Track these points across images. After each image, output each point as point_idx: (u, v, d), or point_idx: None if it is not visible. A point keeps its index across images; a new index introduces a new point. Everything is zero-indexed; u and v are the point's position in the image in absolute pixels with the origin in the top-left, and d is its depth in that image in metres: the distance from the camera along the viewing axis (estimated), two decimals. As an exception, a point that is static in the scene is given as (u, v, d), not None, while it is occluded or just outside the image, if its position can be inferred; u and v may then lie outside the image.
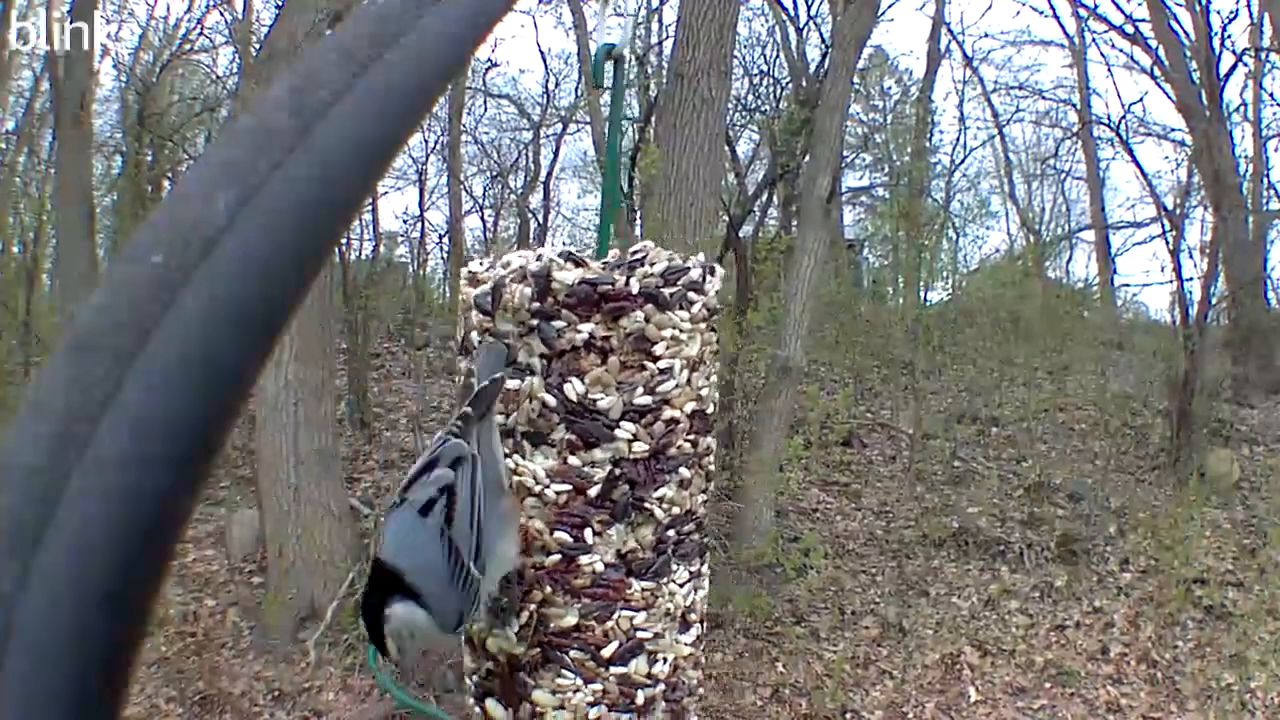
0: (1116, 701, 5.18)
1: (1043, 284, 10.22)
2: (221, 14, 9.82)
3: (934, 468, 7.33)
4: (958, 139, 12.21)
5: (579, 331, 0.84)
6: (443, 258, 11.33)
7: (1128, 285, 13.65)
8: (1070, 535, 6.34)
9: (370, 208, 9.51)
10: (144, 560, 0.21)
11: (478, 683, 0.91)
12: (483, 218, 12.17)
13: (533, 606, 0.86)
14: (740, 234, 8.68)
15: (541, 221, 12.06)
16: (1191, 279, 8.13)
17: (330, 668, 5.03)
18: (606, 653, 0.86)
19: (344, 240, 6.90)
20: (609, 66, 0.95)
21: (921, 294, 9.26)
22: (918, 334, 7.99)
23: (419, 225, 11.18)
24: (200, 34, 10.28)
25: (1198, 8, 8.84)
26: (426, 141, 10.70)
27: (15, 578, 0.20)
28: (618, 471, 0.85)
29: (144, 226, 0.24)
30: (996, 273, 10.19)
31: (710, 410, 0.92)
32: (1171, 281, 8.32)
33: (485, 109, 12.07)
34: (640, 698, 0.87)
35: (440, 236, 11.39)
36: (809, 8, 10.42)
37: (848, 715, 5.04)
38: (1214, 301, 8.20)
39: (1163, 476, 7.23)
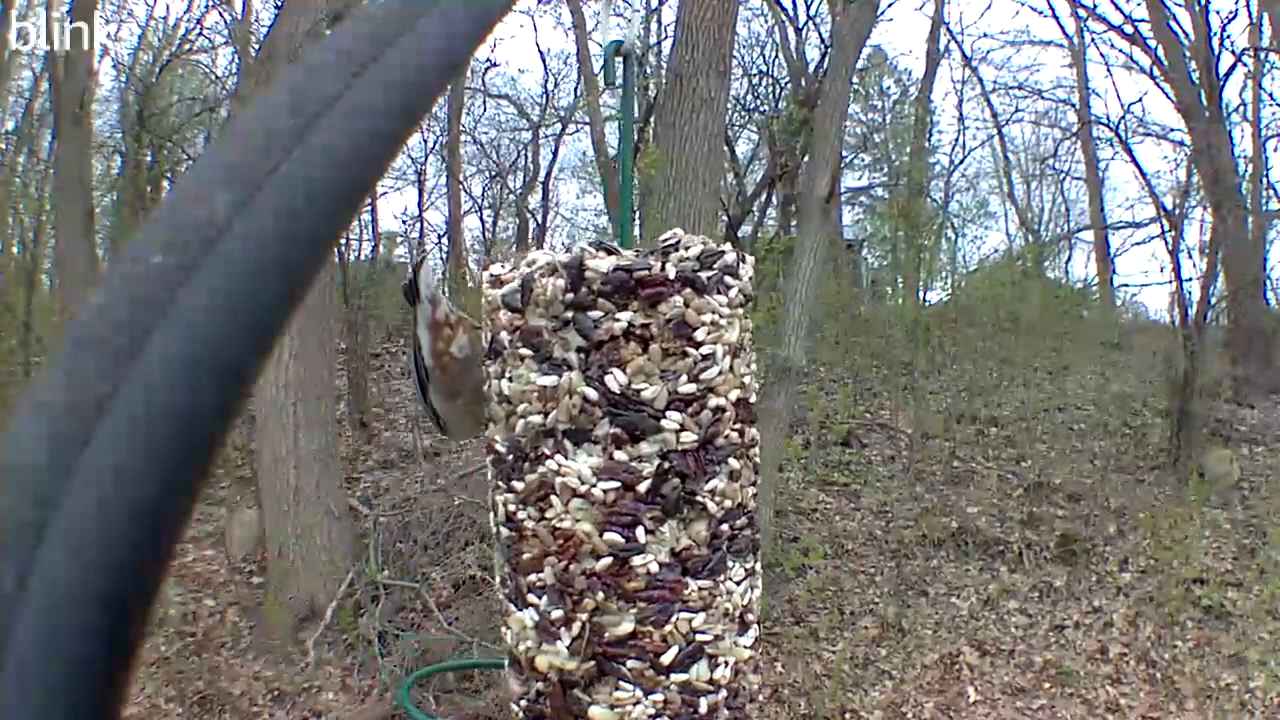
0: (1116, 701, 5.18)
1: (1042, 284, 10.22)
2: (221, 14, 9.83)
3: (933, 468, 7.33)
4: (957, 139, 12.24)
5: (617, 320, 0.81)
6: (442, 258, 11.33)
7: (1127, 285, 13.69)
8: (1070, 535, 6.34)
9: (369, 208, 9.51)
10: (144, 560, 0.21)
11: (526, 707, 0.86)
12: (482, 218, 12.19)
13: (584, 616, 0.81)
14: (739, 234, 8.69)
15: (540, 222, 12.08)
16: (1191, 279, 8.14)
17: (330, 668, 5.03)
18: (666, 659, 0.82)
19: (344, 240, 6.90)
20: (618, 63, 0.95)
21: (921, 294, 9.27)
22: (917, 334, 8.00)
23: (418, 225, 11.20)
24: (200, 34, 10.29)
25: (1197, 8, 8.84)
26: (426, 141, 10.72)
27: (15, 578, 0.20)
28: (666, 465, 0.81)
29: (144, 226, 0.24)
30: (996, 273, 10.20)
31: (753, 400, 0.89)
32: (1171, 282, 8.33)
33: (484, 109, 12.09)
34: (704, 705, 0.83)
35: (439, 237, 11.40)
36: (808, 8, 10.43)
37: (847, 715, 5.04)
38: (1214, 302, 8.20)
39: (1163, 476, 7.23)
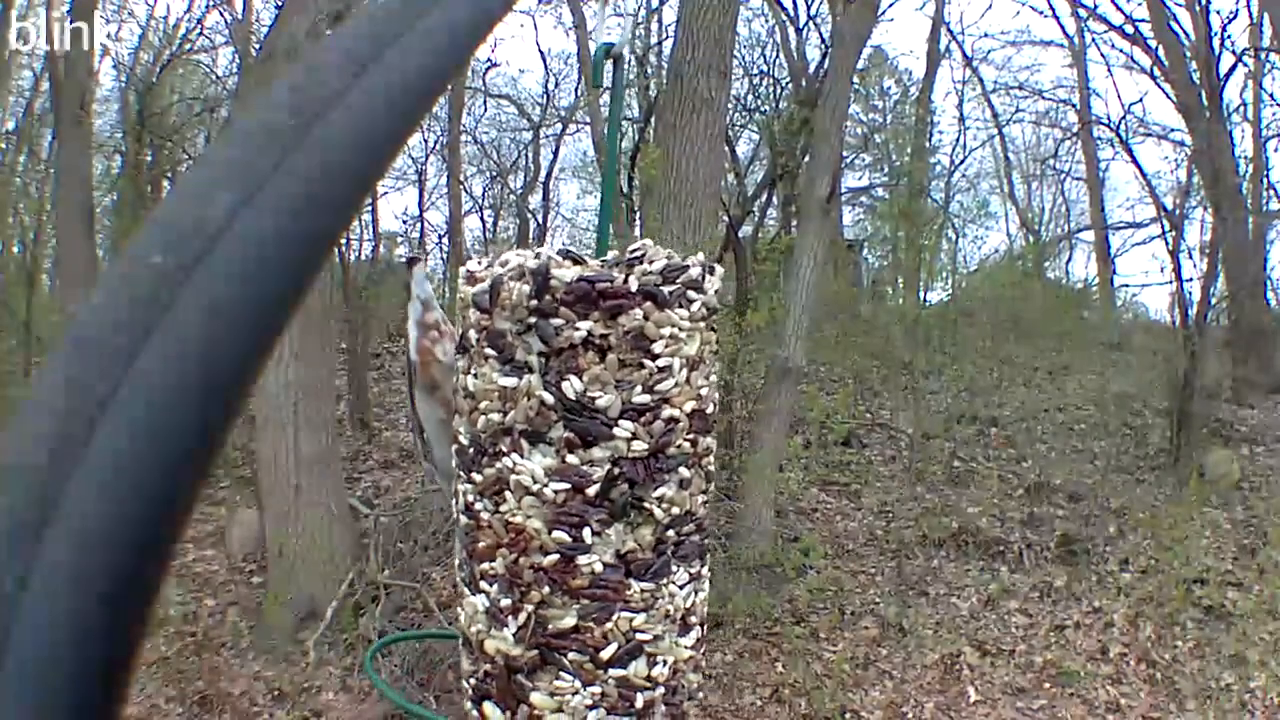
0: (1116, 701, 5.18)
1: (1042, 284, 10.23)
2: (221, 14, 9.83)
3: (934, 468, 7.33)
4: (957, 139, 12.22)
5: (577, 329, 0.83)
6: (442, 258, 11.33)
7: (1127, 286, 13.69)
8: (1070, 535, 6.34)
9: (370, 208, 9.52)
10: (144, 560, 0.21)
11: (475, 685, 0.90)
12: (482, 218, 12.19)
13: (530, 607, 0.85)
14: (740, 234, 8.68)
15: (541, 222, 12.08)
16: (1191, 279, 8.14)
17: (330, 668, 5.03)
18: (605, 655, 0.85)
19: (344, 240, 6.90)
20: (608, 66, 0.95)
21: (921, 294, 9.26)
22: (917, 334, 8.00)
23: (419, 225, 11.20)
24: (200, 34, 10.30)
25: (1197, 8, 8.84)
26: (426, 141, 10.72)
27: (16, 578, 0.20)
28: (617, 470, 0.84)
29: (144, 226, 0.24)
30: (996, 273, 10.19)
31: (710, 410, 0.91)
32: (1171, 282, 8.33)
33: (485, 109, 12.09)
34: (640, 700, 0.86)
35: (440, 237, 11.40)
36: (809, 8, 10.43)
37: (847, 715, 5.04)
38: (1214, 302, 8.20)
39: (1163, 476, 7.23)
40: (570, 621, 0.84)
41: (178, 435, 0.21)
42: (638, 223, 6.68)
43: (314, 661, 5.00)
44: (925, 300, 9.30)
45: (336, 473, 5.76)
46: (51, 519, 0.20)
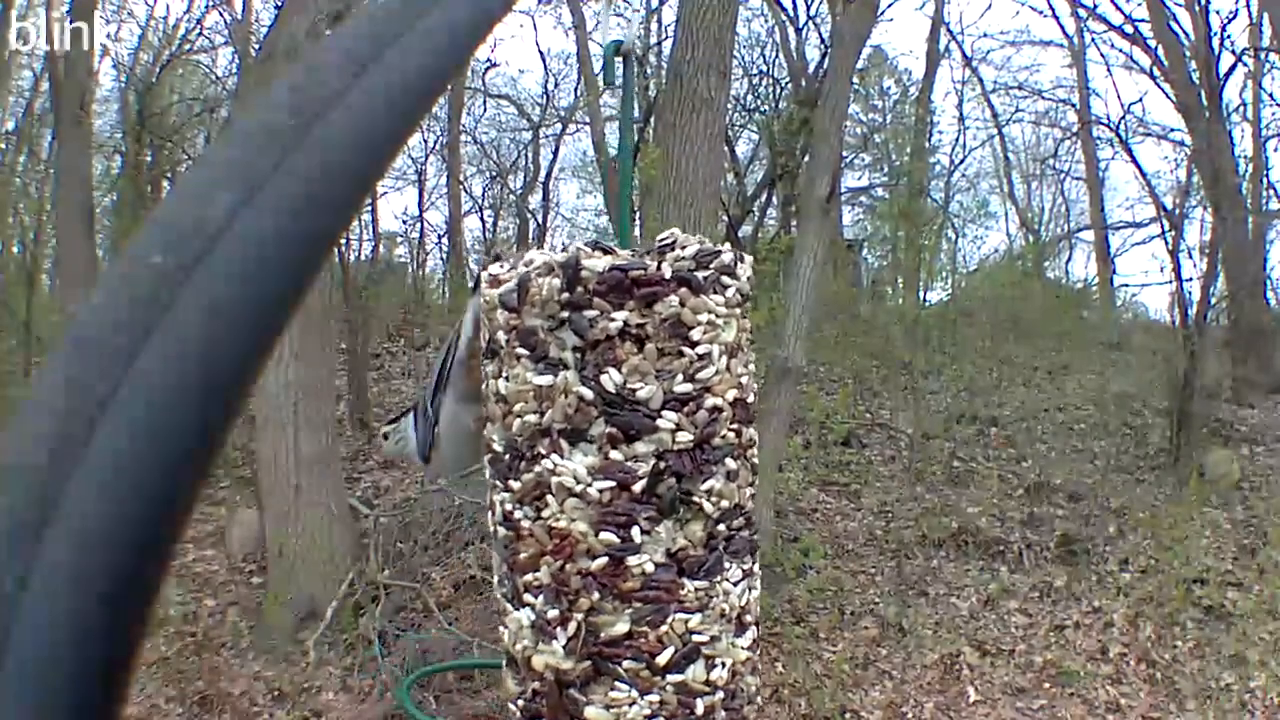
0: (1116, 701, 5.18)
1: (1042, 284, 10.23)
2: (221, 14, 9.83)
3: (933, 468, 7.33)
4: (957, 139, 12.24)
5: (613, 320, 0.80)
6: (442, 258, 11.34)
7: (1127, 285, 13.69)
8: (1070, 535, 6.34)
9: (370, 208, 9.52)
10: (144, 560, 0.21)
11: (524, 707, 0.86)
12: (482, 218, 12.20)
13: (580, 616, 0.81)
14: (740, 234, 8.69)
15: (541, 222, 12.09)
16: (1191, 279, 8.13)
17: (330, 668, 5.03)
18: (662, 660, 0.81)
19: (344, 240, 6.90)
20: (618, 63, 0.95)
21: (921, 294, 9.27)
22: (917, 334, 8.00)
23: (418, 225, 11.20)
24: (200, 34, 10.30)
25: (1197, 8, 8.85)
26: (426, 142, 10.72)
27: (16, 578, 0.20)
28: (662, 465, 0.81)
29: (144, 226, 0.24)
30: (996, 273, 10.20)
31: (751, 400, 0.88)
32: (1171, 282, 8.33)
33: (485, 109, 12.10)
34: (700, 707, 0.83)
35: (440, 237, 11.41)
36: (809, 8, 10.44)
37: (847, 715, 5.04)
38: (1214, 302, 8.20)
39: (1163, 476, 7.23)
40: (623, 627, 0.81)
41: (178, 435, 0.21)
42: (637, 223, 6.68)
43: (314, 661, 5.00)
44: (925, 300, 9.30)
45: (336, 473, 5.76)
46: (51, 519, 0.20)
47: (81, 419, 0.21)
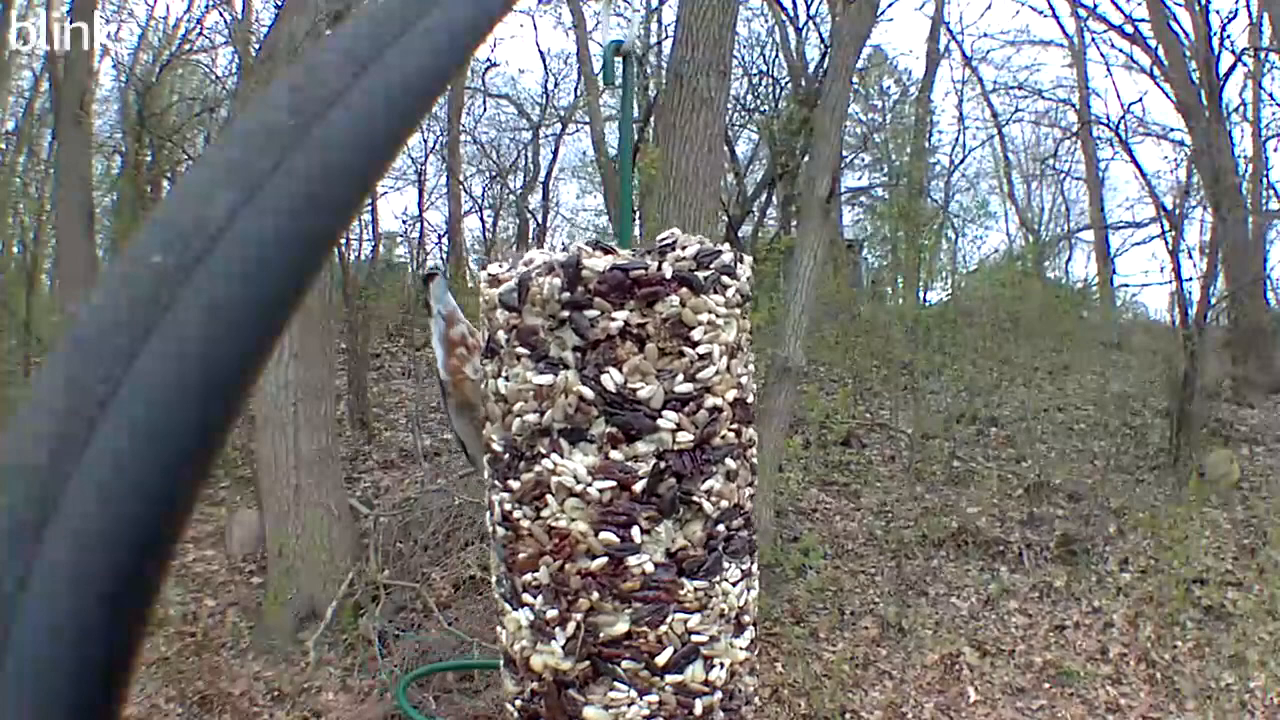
0: (1116, 701, 5.18)
1: (1042, 284, 10.23)
2: (221, 14, 9.83)
3: (933, 468, 7.33)
4: (957, 139, 12.24)
5: (613, 319, 0.80)
6: (442, 258, 11.33)
7: (1127, 285, 13.67)
8: (1070, 535, 6.34)
9: (370, 208, 9.51)
10: (144, 560, 0.21)
11: (521, 707, 0.86)
12: (482, 218, 12.19)
13: (579, 616, 0.81)
14: (740, 234, 8.69)
15: (540, 221, 12.09)
16: (1191, 279, 8.14)
17: (330, 668, 5.03)
18: (661, 660, 0.81)
19: (344, 240, 6.90)
20: (618, 63, 0.94)
21: (921, 294, 9.28)
22: (917, 334, 8.00)
23: (418, 225, 11.19)
24: (200, 34, 10.30)
25: (1197, 7, 8.85)
26: (426, 141, 10.72)
27: (16, 578, 0.20)
28: (663, 464, 0.81)
29: (144, 226, 0.24)
30: (996, 273, 10.19)
31: (750, 400, 0.88)
32: (1171, 282, 8.34)
33: (484, 109, 12.10)
34: (699, 707, 0.83)
35: (440, 237, 11.40)
36: (808, 8, 10.44)
37: (847, 715, 5.04)
38: (1213, 302, 8.20)
39: (1163, 476, 7.23)
40: (623, 627, 0.81)
41: (178, 435, 0.21)
42: (637, 223, 6.68)
43: (314, 661, 5.00)
44: (925, 300, 9.31)
45: (336, 473, 5.76)
46: (51, 519, 0.20)
47: (81, 419, 0.21)
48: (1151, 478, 7.28)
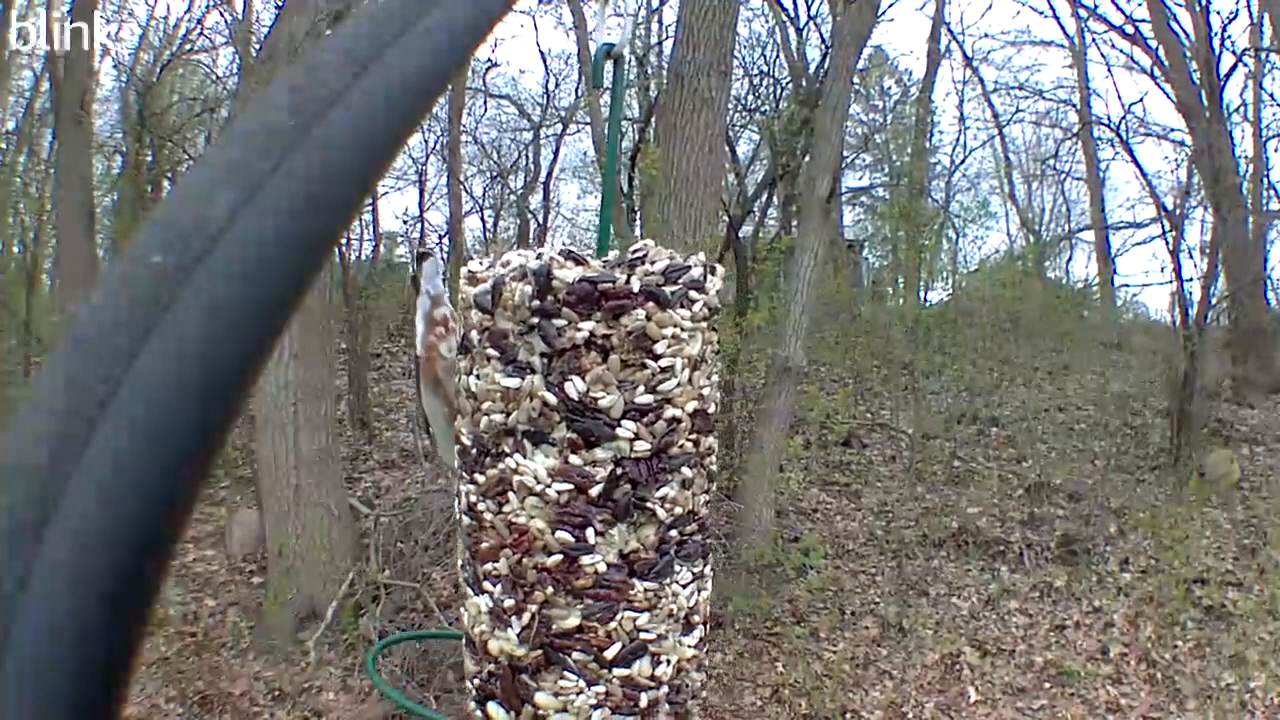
0: (1116, 701, 5.18)
1: (1042, 284, 10.22)
2: (221, 14, 9.83)
3: (934, 468, 7.33)
4: (957, 139, 12.24)
5: (579, 330, 0.83)
6: (443, 258, 11.31)
7: (1128, 285, 13.68)
8: (1070, 535, 6.34)
9: (370, 208, 9.52)
10: (144, 560, 0.21)
11: (479, 685, 0.90)
12: (483, 218, 12.19)
13: (534, 607, 0.85)
14: (740, 234, 8.68)
15: (541, 222, 12.09)
16: (1191, 279, 8.14)
17: (330, 668, 5.03)
18: (609, 654, 0.85)
19: (344, 240, 6.90)
20: (609, 66, 0.95)
21: (921, 294, 9.28)
22: (917, 334, 8.00)
23: (419, 226, 11.19)
24: (200, 34, 10.30)
25: (1198, 8, 8.85)
26: (426, 142, 10.71)
27: (16, 578, 0.20)
28: (619, 471, 0.84)
29: (144, 226, 0.24)
30: (996, 273, 10.19)
31: (712, 410, 0.91)
32: (1171, 282, 8.34)
33: (485, 109, 12.09)
34: (644, 700, 0.87)
35: (440, 237, 11.38)
36: (809, 8, 10.43)
37: (847, 715, 5.04)
38: (1214, 302, 8.20)
39: (1163, 476, 7.23)
40: (574, 621, 0.85)
41: (178, 435, 0.21)
42: (638, 223, 6.68)
43: (314, 661, 5.00)
44: (925, 300, 9.31)
45: (336, 473, 5.76)
46: (51, 519, 0.20)
47: (81, 419, 0.21)
48: (1152, 478, 7.28)
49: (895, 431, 7.95)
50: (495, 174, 12.19)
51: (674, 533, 0.88)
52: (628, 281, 0.84)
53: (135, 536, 0.21)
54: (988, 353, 8.71)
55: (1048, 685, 5.28)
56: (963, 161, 12.22)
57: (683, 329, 0.86)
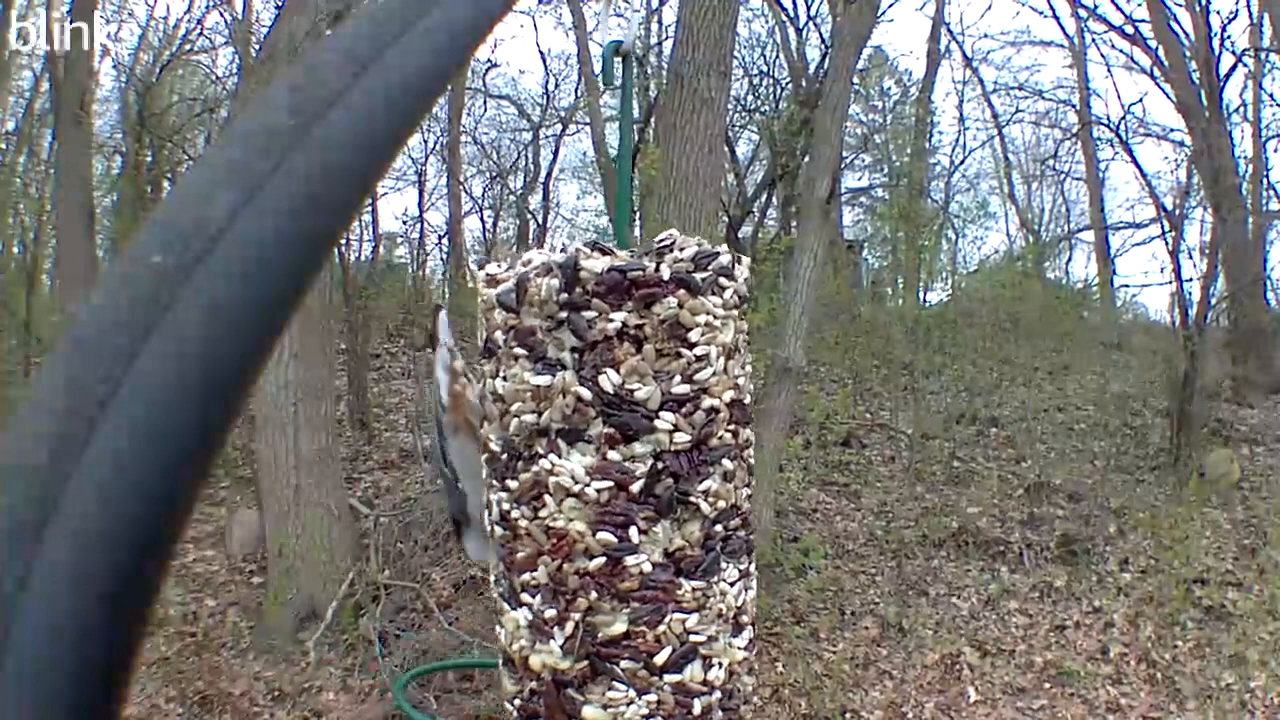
0: (1116, 701, 5.18)
1: (1042, 285, 10.23)
2: (221, 14, 9.83)
3: (934, 468, 7.33)
4: (957, 139, 12.25)
5: (611, 321, 0.80)
6: (442, 258, 11.33)
7: (1127, 286, 13.69)
8: (1070, 535, 6.34)
9: (370, 208, 9.51)
10: (144, 560, 0.21)
11: (520, 706, 0.86)
12: (482, 218, 12.19)
13: (578, 616, 0.81)
14: (740, 234, 8.69)
15: (541, 222, 12.09)
16: (1191, 279, 8.14)
17: (330, 668, 5.03)
18: (660, 660, 0.81)
19: (344, 240, 6.90)
20: (617, 63, 0.95)
21: (921, 294, 9.28)
22: (917, 334, 8.00)
23: (419, 226, 11.19)
24: (200, 34, 10.30)
25: (1197, 8, 8.85)
26: (426, 142, 10.72)
27: (16, 578, 0.20)
28: (660, 465, 0.81)
29: (144, 226, 0.24)
30: (996, 273, 10.19)
31: (748, 400, 0.88)
32: (1171, 282, 8.34)
33: (485, 110, 12.10)
34: (697, 707, 0.83)
35: (440, 237, 11.39)
36: (809, 8, 10.44)
37: (847, 715, 5.04)
38: (1214, 302, 8.20)
39: (1163, 476, 7.23)
40: (621, 627, 0.81)
41: (178, 435, 0.21)
42: (637, 223, 6.68)
43: (314, 661, 5.00)
44: (925, 301, 9.31)
45: (336, 473, 5.76)
46: (51, 519, 0.20)
47: (81, 419, 0.21)
48: (1152, 478, 7.28)
49: (895, 431, 7.95)
50: (495, 174, 12.20)
51: (719, 528, 0.84)
52: (657, 269, 0.81)
53: (135, 536, 0.21)
54: (987, 353, 8.71)
55: (1048, 685, 5.28)
56: (962, 162, 12.24)
57: (715, 316, 0.83)
